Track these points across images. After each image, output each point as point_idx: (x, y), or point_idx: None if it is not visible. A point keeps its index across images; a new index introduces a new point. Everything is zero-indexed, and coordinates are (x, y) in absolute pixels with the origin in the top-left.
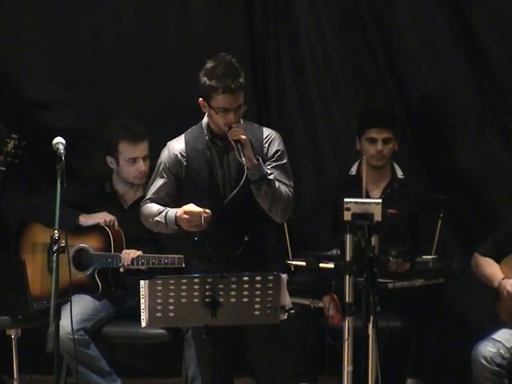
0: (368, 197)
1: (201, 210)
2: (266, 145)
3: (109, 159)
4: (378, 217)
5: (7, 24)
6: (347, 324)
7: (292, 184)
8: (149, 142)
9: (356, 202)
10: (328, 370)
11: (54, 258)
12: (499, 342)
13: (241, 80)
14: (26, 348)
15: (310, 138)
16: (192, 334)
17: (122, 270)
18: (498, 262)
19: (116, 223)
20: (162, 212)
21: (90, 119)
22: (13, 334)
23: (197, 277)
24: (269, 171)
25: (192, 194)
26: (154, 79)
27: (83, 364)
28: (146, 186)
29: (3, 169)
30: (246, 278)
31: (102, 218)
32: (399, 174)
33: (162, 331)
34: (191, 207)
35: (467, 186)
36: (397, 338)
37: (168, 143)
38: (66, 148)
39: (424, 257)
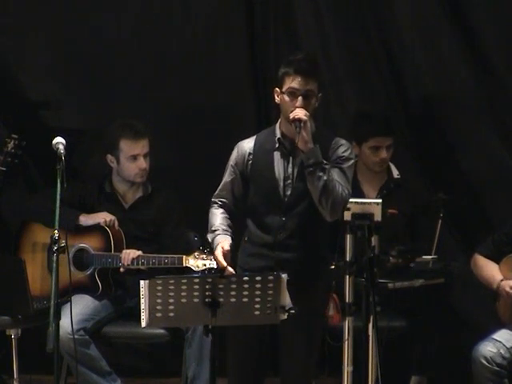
0: (364, 197)
1: (224, 264)
2: (333, 148)
3: (109, 158)
4: (378, 217)
5: (7, 24)
6: (347, 324)
7: (349, 189)
8: (149, 140)
9: (356, 202)
10: (328, 369)
11: (54, 258)
12: (499, 341)
13: (316, 70)
14: (26, 348)
15: None
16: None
17: (122, 269)
18: (497, 262)
19: (116, 223)
20: (214, 232)
21: (89, 119)
22: (13, 333)
23: (197, 277)
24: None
25: (253, 193)
26: (154, 79)
27: (83, 364)
28: (146, 185)
29: (3, 169)
30: (245, 278)
31: (102, 217)
32: (395, 173)
33: (162, 331)
34: (220, 257)
35: (467, 186)
36: (398, 337)
37: (239, 142)
38: (65, 148)
39: (424, 257)
